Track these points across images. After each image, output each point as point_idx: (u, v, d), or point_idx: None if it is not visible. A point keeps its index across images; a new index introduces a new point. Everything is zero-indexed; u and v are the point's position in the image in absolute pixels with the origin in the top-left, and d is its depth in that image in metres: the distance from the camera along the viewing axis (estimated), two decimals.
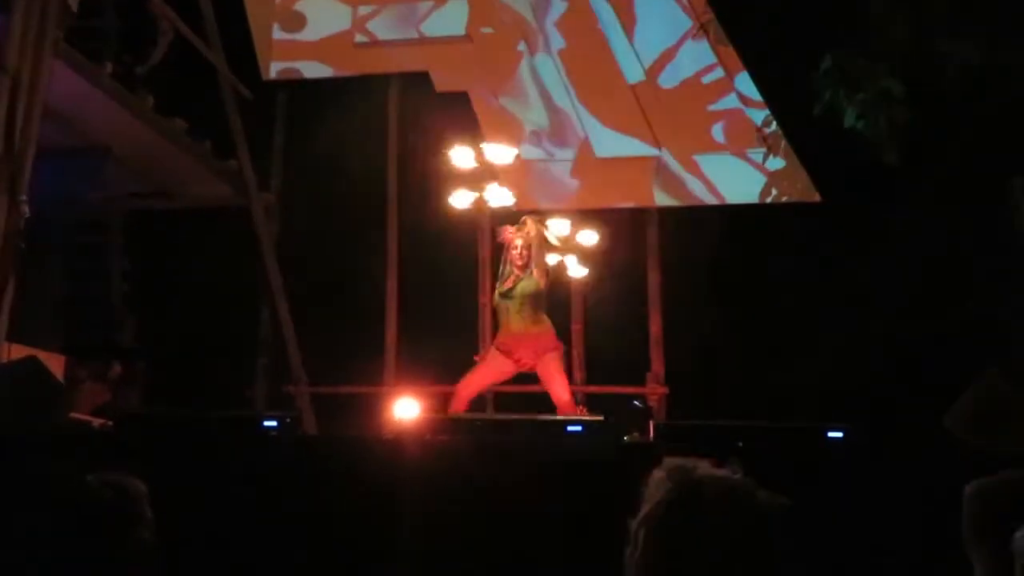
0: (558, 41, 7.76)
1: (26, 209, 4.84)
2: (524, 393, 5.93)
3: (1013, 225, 6.49)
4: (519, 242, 5.17)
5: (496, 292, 5.30)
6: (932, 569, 2.28)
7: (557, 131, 7.67)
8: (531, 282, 5.14)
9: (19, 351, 5.01)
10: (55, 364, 5.76)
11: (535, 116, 7.69)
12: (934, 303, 6.49)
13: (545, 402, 6.69)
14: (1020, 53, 5.65)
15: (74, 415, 4.71)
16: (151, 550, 2.03)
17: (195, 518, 3.51)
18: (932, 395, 3.95)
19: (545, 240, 5.24)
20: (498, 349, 5.29)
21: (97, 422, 4.96)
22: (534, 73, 7.74)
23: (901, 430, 3.97)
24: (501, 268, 5.30)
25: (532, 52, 7.75)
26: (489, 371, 5.33)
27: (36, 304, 6.30)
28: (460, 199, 5.39)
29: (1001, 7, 5.69)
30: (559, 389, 5.21)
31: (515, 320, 5.16)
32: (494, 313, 5.53)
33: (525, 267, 5.17)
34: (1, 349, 4.98)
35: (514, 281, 5.18)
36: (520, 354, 5.19)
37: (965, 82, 5.76)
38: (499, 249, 5.48)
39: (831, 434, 3.69)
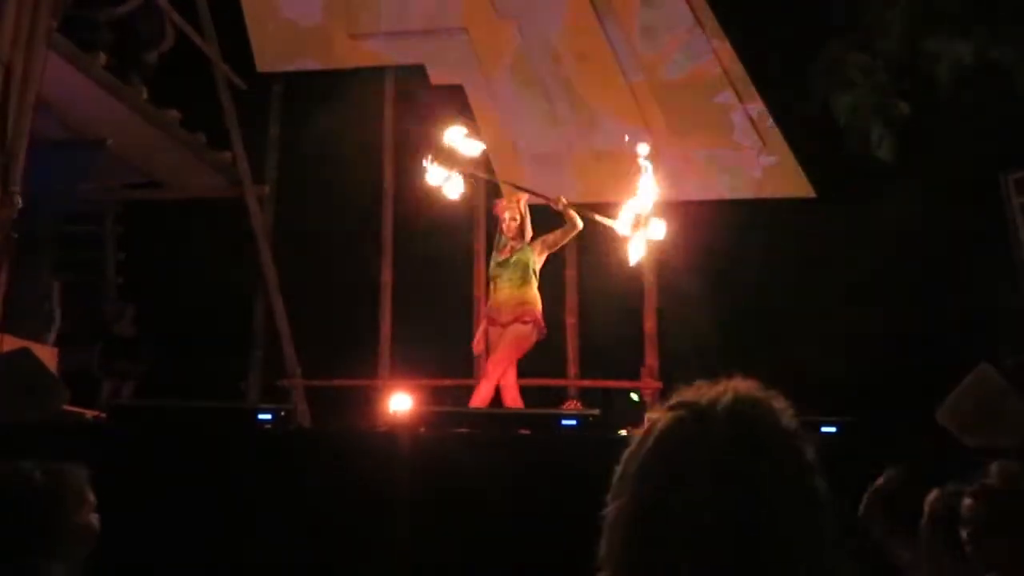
0: (556, 34, 7.73)
1: (19, 200, 4.83)
2: (523, 387, 5.93)
3: (1004, 220, 6.52)
4: (507, 214, 5.35)
5: (492, 262, 5.39)
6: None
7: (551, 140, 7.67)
8: (527, 252, 5.28)
9: (11, 343, 5.00)
10: (48, 356, 5.74)
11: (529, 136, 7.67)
12: (927, 298, 6.51)
13: (544, 394, 6.71)
14: (1012, 50, 5.68)
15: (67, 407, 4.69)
16: (90, 531, 2.10)
17: (189, 509, 3.51)
18: (926, 390, 3.97)
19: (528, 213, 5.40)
20: (489, 323, 5.37)
21: (90, 414, 4.96)
22: (527, 72, 7.72)
23: (895, 425, 3.98)
24: (496, 239, 5.42)
25: (527, 45, 7.73)
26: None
27: (29, 296, 6.28)
28: (452, 186, 5.43)
29: (994, 6, 5.70)
30: (497, 357, 5.22)
31: (504, 287, 5.29)
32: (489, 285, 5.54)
33: (517, 238, 5.31)
34: None
35: (511, 251, 5.29)
36: (501, 319, 5.26)
37: (958, 79, 5.78)
38: (494, 240, 5.64)
39: (825, 429, 3.71)
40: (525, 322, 5.21)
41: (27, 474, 2.04)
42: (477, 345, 5.48)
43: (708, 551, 0.90)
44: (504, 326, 5.25)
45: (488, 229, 7.64)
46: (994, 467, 2.27)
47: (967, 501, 2.22)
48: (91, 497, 2.11)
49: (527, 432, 4.10)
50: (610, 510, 0.98)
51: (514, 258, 5.30)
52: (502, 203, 5.54)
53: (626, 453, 1.00)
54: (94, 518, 2.11)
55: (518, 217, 5.35)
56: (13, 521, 1.99)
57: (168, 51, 7.11)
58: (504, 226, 5.36)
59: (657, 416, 1.00)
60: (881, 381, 6.01)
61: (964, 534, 2.19)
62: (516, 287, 5.26)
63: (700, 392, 1.00)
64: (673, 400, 1.01)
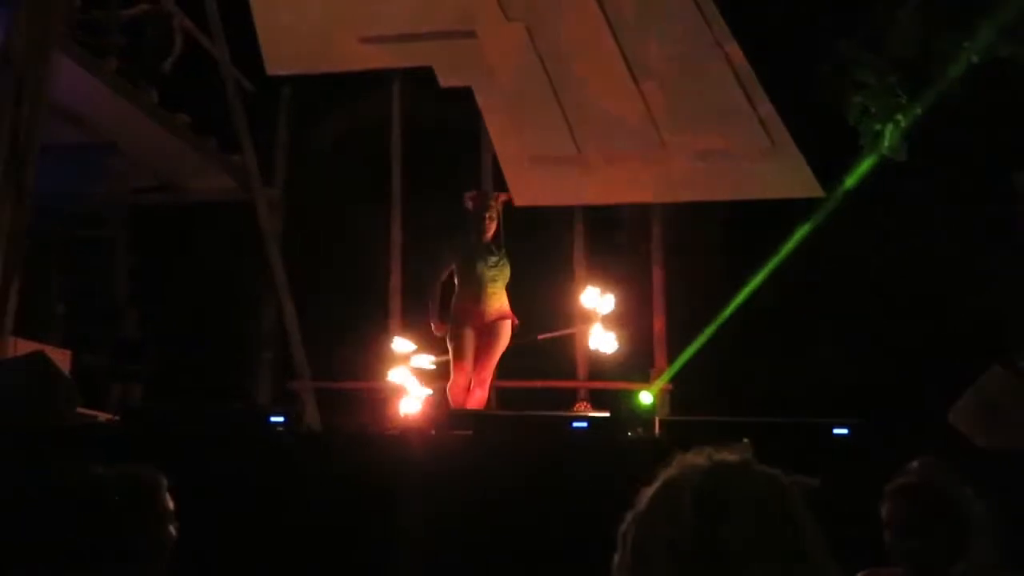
0: (564, 36, 7.73)
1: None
2: (526, 388, 5.93)
3: (1018, 220, 6.49)
4: (488, 214, 5.39)
5: (484, 264, 5.37)
6: None
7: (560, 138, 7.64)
8: (506, 264, 5.33)
9: (25, 346, 5.02)
10: (61, 359, 5.77)
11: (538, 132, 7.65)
12: (939, 299, 6.49)
13: (547, 396, 6.70)
14: (1023, 50, 5.65)
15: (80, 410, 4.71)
16: (169, 540, 2.05)
17: (201, 513, 3.52)
18: (937, 392, 3.95)
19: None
20: (467, 326, 5.37)
21: (103, 417, 4.98)
22: (534, 71, 7.71)
23: (906, 427, 3.97)
24: (475, 240, 5.41)
25: (536, 47, 7.73)
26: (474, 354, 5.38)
27: (41, 299, 6.32)
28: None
29: (1003, 3, 5.68)
30: (489, 361, 5.27)
31: (488, 288, 5.31)
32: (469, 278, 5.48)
33: (494, 240, 5.39)
34: (8, 345, 4.99)
35: (489, 252, 5.39)
36: (484, 321, 5.30)
37: (971, 78, 5.75)
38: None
39: (837, 431, 3.70)
40: (505, 319, 5.29)
41: (104, 481, 2.00)
42: (439, 328, 5.48)
43: None
44: (485, 327, 5.28)
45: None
46: (915, 464, 2.23)
47: (886, 504, 2.19)
48: (169, 504, 2.07)
49: (537, 434, 4.10)
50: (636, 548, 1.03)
51: (500, 266, 5.35)
52: (491, 198, 5.53)
53: (642, 508, 1.05)
54: (172, 526, 2.06)
55: (496, 217, 5.38)
56: (89, 528, 1.95)
57: (178, 57, 7.14)
58: (485, 225, 5.37)
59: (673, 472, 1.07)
60: (892, 383, 5.99)
61: (885, 536, 2.16)
62: (500, 292, 5.34)
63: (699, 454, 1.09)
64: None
